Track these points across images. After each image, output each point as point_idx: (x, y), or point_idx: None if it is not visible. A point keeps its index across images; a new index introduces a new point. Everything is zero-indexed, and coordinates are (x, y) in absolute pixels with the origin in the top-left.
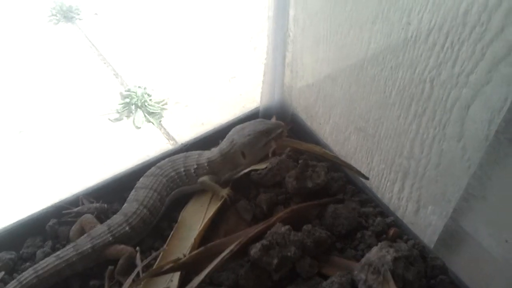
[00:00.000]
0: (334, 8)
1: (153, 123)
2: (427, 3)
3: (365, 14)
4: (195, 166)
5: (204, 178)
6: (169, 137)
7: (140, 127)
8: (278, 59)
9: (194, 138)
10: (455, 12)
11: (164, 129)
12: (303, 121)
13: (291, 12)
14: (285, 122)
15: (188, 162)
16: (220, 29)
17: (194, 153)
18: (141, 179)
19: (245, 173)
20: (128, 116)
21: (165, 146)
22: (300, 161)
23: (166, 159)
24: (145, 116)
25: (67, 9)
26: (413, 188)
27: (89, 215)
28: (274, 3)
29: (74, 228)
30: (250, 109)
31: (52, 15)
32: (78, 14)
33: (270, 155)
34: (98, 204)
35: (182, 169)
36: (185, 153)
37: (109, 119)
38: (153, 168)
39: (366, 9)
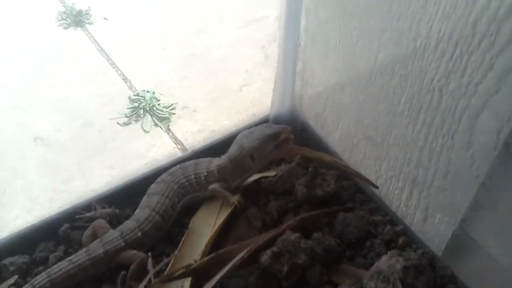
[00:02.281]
0: (343, 17)
1: (161, 128)
2: (437, 12)
3: (374, 23)
4: (205, 174)
5: (214, 186)
6: (177, 141)
7: (148, 131)
8: (289, 68)
9: (204, 145)
10: (464, 22)
11: (172, 133)
12: (312, 129)
13: (303, 22)
14: (292, 128)
15: (198, 169)
16: (232, 37)
17: (205, 160)
18: (152, 185)
19: (255, 180)
20: (136, 120)
21: (173, 150)
22: (310, 169)
23: (177, 166)
24: (153, 120)
25: (77, 13)
26: (421, 196)
27: (101, 220)
28: (286, 13)
29: (87, 233)
30: (260, 117)
31: (62, 19)
32: (88, 19)
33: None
34: (110, 210)
35: (193, 176)
36: (195, 160)
37: (117, 123)
38: (164, 175)
39: (376, 18)
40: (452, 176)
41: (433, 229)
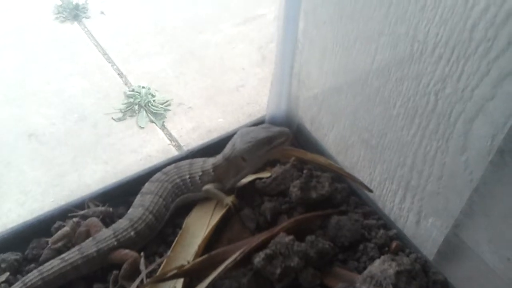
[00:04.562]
0: (341, 19)
1: (156, 124)
2: (434, 17)
3: (372, 26)
4: (200, 173)
5: (209, 186)
6: (172, 138)
7: (143, 127)
8: (286, 69)
9: (200, 145)
10: (462, 27)
11: (167, 130)
12: (308, 131)
13: (301, 24)
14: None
15: (193, 169)
16: (229, 35)
17: (199, 160)
18: (146, 184)
19: (250, 182)
20: (131, 116)
21: (167, 147)
22: (304, 171)
23: (172, 165)
24: (148, 116)
25: (74, 7)
26: (414, 200)
27: (94, 219)
28: (284, 14)
29: (80, 231)
30: (257, 117)
31: (59, 12)
32: (85, 13)
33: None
34: (103, 208)
35: (187, 176)
36: (190, 160)
37: (112, 118)
38: (158, 174)
39: (373, 21)
40: (445, 181)
41: (426, 232)
